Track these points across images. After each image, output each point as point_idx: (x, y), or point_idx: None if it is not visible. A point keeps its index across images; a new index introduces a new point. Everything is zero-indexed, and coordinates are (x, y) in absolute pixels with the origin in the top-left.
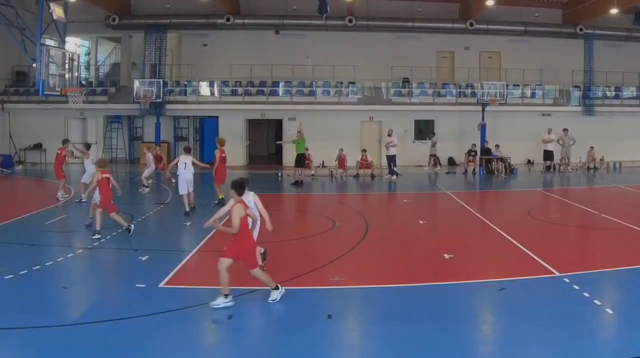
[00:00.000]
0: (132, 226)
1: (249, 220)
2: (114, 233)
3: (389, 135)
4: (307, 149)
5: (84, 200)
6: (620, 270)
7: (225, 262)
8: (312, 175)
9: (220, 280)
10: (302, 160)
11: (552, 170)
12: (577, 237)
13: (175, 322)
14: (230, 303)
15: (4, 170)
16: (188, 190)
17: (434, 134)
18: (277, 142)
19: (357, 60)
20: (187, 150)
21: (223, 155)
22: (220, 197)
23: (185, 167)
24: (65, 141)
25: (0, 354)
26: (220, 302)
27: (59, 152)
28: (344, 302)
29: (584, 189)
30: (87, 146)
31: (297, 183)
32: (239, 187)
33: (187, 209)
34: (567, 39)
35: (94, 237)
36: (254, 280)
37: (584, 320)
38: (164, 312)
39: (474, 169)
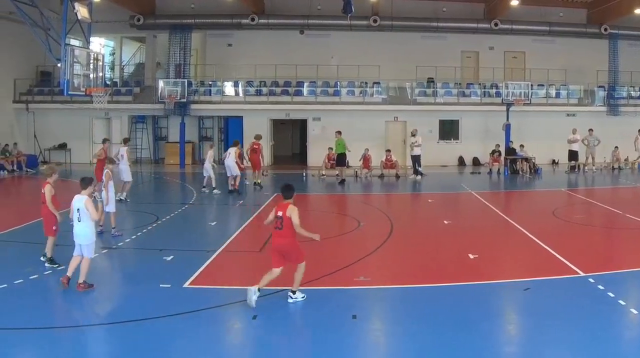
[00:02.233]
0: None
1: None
2: (139, 234)
3: (413, 135)
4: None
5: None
6: None
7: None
8: (337, 175)
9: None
10: (343, 159)
11: (576, 170)
12: (602, 237)
13: (200, 323)
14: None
15: (28, 170)
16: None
17: (413, 134)
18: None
19: (381, 60)
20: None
21: (255, 146)
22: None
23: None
24: (105, 140)
25: (26, 354)
26: (299, 296)
27: (101, 152)
28: (368, 302)
29: (609, 189)
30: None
31: (342, 182)
32: (287, 190)
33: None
34: (592, 38)
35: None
36: (278, 281)
37: (609, 320)
38: (189, 313)
39: (498, 169)
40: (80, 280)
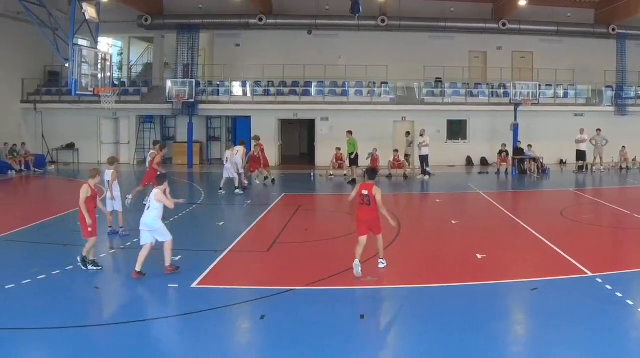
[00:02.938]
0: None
1: None
2: None
3: (421, 135)
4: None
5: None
6: None
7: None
8: (345, 175)
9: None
10: (356, 159)
11: (584, 170)
12: (610, 237)
13: (207, 323)
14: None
15: (36, 170)
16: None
17: (408, 132)
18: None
19: (389, 60)
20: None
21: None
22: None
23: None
24: (156, 142)
25: (33, 354)
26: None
27: (155, 154)
28: (376, 302)
29: (617, 189)
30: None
31: (353, 182)
32: (372, 173)
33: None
34: (600, 39)
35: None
36: (286, 281)
37: (617, 320)
38: (197, 312)
39: (506, 169)
40: (167, 264)
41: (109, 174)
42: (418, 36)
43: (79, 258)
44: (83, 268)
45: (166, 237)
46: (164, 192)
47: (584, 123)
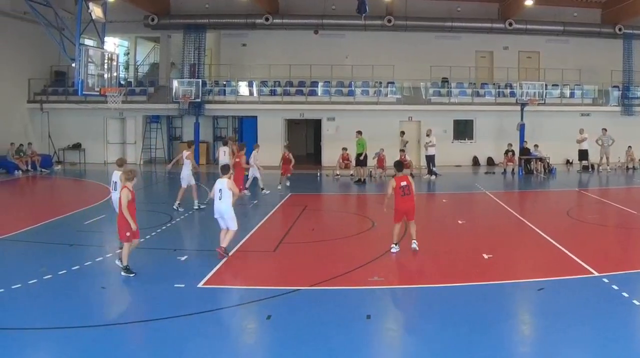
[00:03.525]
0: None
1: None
2: (153, 233)
3: (428, 135)
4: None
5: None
6: None
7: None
8: (351, 175)
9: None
10: (364, 159)
11: (589, 169)
12: (616, 237)
13: (214, 322)
14: (397, 249)
15: (43, 170)
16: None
17: (402, 132)
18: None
19: (395, 60)
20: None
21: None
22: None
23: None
24: (230, 139)
25: (40, 354)
26: (393, 248)
27: (237, 154)
28: (383, 302)
29: (623, 189)
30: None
31: (360, 182)
32: (398, 165)
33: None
34: (606, 38)
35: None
36: (292, 281)
37: (623, 320)
38: (203, 312)
39: (512, 169)
40: (223, 245)
41: (117, 175)
42: (424, 36)
43: (118, 263)
44: (127, 274)
45: (234, 226)
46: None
47: (590, 123)
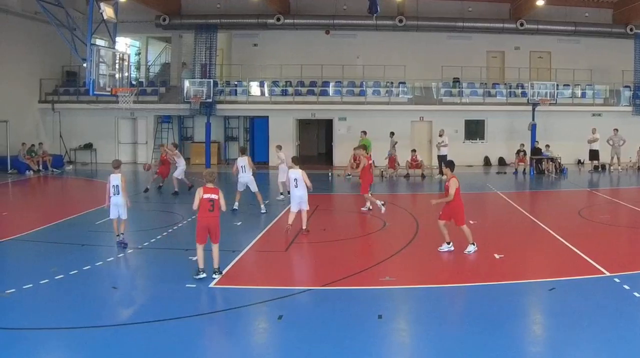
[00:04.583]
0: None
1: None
2: (165, 233)
3: (441, 135)
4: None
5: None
6: None
7: (441, 223)
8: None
9: (442, 234)
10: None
11: (600, 169)
12: (628, 237)
13: (225, 323)
14: (451, 248)
15: (54, 170)
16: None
17: (392, 133)
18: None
19: (407, 60)
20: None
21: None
22: None
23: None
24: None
25: (51, 354)
26: (445, 247)
27: (366, 158)
28: (394, 302)
29: (634, 189)
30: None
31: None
32: (452, 165)
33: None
34: (617, 38)
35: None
36: (304, 281)
37: (634, 320)
38: (215, 312)
39: (524, 169)
40: (304, 227)
41: (117, 178)
42: (436, 36)
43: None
44: (215, 276)
45: (308, 207)
46: None
47: (601, 123)
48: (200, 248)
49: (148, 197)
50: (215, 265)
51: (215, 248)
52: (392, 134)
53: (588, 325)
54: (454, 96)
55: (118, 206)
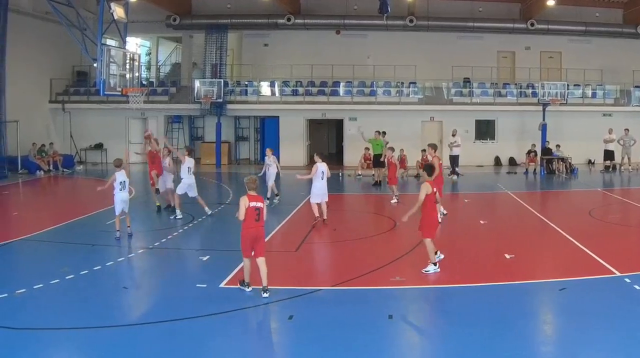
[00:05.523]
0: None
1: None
2: (175, 233)
3: (453, 135)
4: (367, 149)
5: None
6: None
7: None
8: (372, 175)
9: (429, 251)
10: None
11: (611, 170)
12: (638, 237)
13: (236, 323)
14: (438, 270)
15: (64, 170)
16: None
17: (384, 133)
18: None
19: (417, 60)
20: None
21: None
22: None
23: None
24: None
25: (62, 354)
26: (431, 268)
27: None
28: (404, 302)
29: None
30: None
31: (376, 184)
32: (429, 169)
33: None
34: (628, 39)
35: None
36: (314, 281)
37: None
38: (225, 312)
39: (534, 169)
40: (325, 218)
41: (122, 175)
42: (446, 36)
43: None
44: (265, 295)
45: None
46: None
47: (612, 123)
48: (248, 262)
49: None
50: (264, 283)
51: (262, 262)
52: (383, 133)
53: (598, 325)
54: (464, 96)
55: (124, 202)
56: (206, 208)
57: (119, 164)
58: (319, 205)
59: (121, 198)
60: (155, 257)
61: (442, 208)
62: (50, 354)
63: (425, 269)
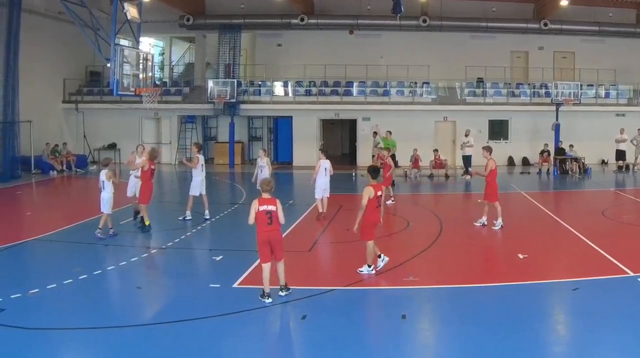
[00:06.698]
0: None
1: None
2: (188, 233)
3: (466, 135)
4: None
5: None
6: None
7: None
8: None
9: (367, 253)
10: (393, 160)
11: (624, 169)
12: None
13: (249, 322)
14: (373, 272)
15: (78, 170)
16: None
17: (375, 133)
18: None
19: (431, 60)
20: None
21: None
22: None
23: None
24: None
25: (74, 354)
26: (365, 269)
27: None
28: (418, 302)
29: None
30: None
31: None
32: (374, 171)
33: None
34: None
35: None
36: (328, 281)
37: None
38: (238, 312)
39: (548, 169)
40: (324, 211)
41: (103, 174)
42: (459, 36)
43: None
44: (283, 293)
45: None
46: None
47: (625, 123)
48: (266, 269)
49: (170, 200)
50: (282, 282)
51: (280, 266)
52: (375, 133)
53: (611, 325)
54: (477, 96)
55: (102, 200)
56: (206, 212)
57: (105, 163)
58: (321, 200)
59: (101, 198)
60: (169, 257)
61: (483, 218)
62: (63, 354)
63: (359, 269)
